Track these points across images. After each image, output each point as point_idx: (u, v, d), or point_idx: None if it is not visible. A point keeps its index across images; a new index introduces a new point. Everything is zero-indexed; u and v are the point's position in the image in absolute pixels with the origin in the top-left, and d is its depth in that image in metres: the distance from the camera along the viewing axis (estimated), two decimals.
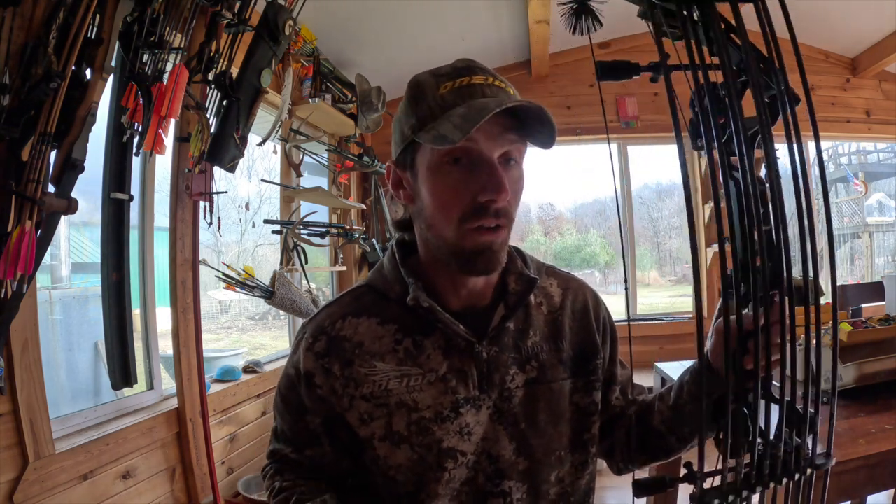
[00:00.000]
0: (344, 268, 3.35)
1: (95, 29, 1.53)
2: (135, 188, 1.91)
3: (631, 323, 3.89)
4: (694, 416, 0.74)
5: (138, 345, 2.03)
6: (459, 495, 0.75)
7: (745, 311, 0.63)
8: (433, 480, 0.74)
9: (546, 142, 0.71)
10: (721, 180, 0.60)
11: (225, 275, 2.26)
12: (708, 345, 0.73)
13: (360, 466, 0.79)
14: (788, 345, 0.60)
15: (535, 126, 0.69)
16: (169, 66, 1.68)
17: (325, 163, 3.16)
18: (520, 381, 0.77)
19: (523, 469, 0.76)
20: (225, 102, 1.84)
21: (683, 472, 0.62)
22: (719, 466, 0.60)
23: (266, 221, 2.73)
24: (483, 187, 0.67)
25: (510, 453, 0.76)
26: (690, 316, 3.87)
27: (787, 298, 0.60)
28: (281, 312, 2.94)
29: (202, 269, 2.18)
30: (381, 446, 0.75)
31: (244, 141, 1.90)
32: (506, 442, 0.76)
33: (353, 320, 0.78)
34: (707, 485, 0.61)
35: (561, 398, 0.79)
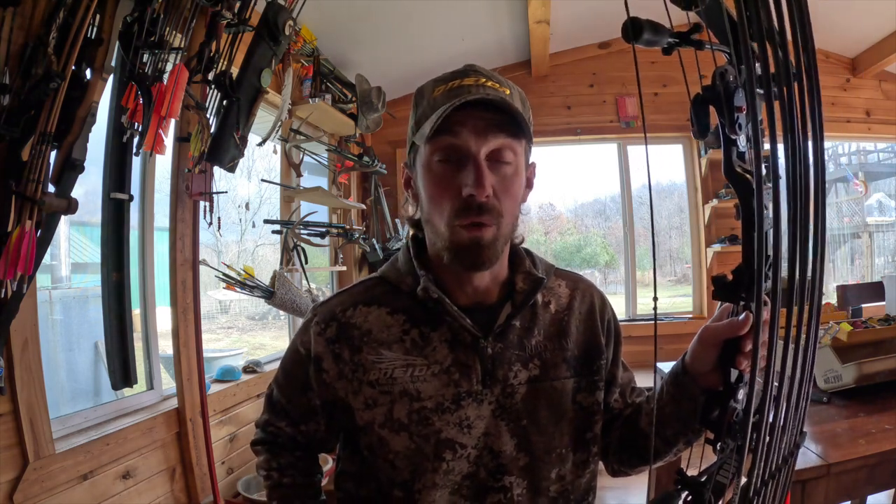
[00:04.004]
0: (344, 268, 3.35)
1: (95, 29, 1.53)
2: (135, 188, 1.90)
3: (633, 323, 3.87)
4: (674, 418, 0.74)
5: (138, 345, 2.03)
6: (461, 489, 0.76)
7: (742, 315, 0.62)
8: (430, 470, 0.75)
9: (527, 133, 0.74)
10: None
11: (225, 275, 2.26)
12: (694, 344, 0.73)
13: (357, 451, 0.81)
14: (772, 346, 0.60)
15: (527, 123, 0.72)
16: (169, 66, 1.68)
17: (325, 163, 3.15)
18: (523, 378, 0.78)
19: (523, 465, 0.77)
20: (225, 102, 1.83)
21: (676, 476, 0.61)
22: (726, 469, 0.59)
23: (266, 221, 2.73)
24: (465, 183, 0.70)
25: (511, 449, 0.77)
26: (691, 316, 3.88)
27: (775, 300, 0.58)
28: (281, 312, 2.94)
29: (202, 269, 2.18)
30: (380, 432, 0.77)
31: (244, 141, 1.90)
32: (507, 437, 0.77)
33: (364, 309, 0.81)
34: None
35: (563, 397, 0.80)
